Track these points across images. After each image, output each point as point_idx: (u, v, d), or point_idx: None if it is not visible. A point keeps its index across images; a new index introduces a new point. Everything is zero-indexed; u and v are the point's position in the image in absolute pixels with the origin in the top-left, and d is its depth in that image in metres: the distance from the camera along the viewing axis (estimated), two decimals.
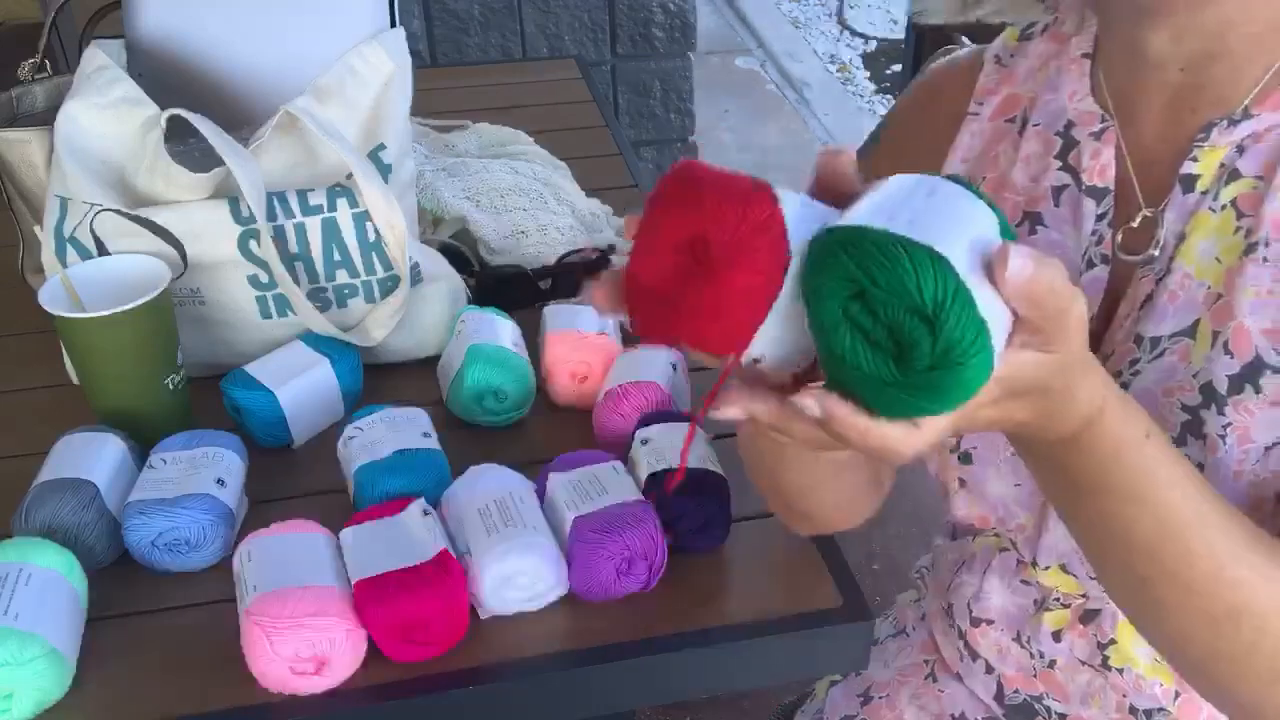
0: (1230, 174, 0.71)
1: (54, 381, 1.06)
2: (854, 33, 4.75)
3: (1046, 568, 0.84)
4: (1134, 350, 0.74)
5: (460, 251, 1.20)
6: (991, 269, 0.47)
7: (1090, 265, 0.77)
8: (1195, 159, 0.72)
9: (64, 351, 1.01)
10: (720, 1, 4.84)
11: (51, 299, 0.92)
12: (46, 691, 0.73)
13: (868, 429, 0.49)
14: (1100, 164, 0.77)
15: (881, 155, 0.93)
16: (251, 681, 0.74)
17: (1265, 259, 0.69)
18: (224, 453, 0.88)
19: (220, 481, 0.85)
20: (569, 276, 1.17)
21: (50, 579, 0.76)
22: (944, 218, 0.48)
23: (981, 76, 0.86)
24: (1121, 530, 0.61)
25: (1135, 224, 0.76)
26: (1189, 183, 0.73)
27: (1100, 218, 0.77)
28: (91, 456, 0.87)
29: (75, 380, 1.03)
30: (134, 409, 0.94)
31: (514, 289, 1.16)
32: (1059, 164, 0.80)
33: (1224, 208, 0.71)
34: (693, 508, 0.82)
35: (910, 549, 2.16)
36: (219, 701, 0.74)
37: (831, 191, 0.53)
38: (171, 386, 0.96)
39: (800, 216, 0.50)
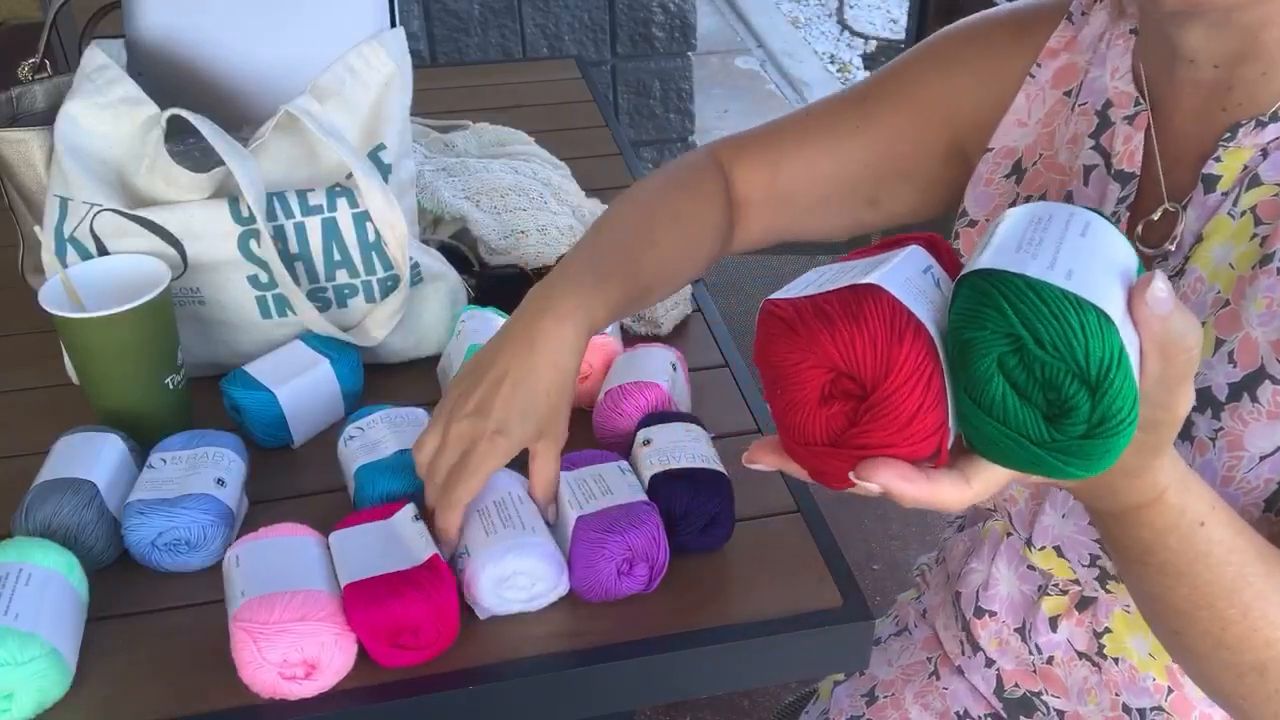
0: (1252, 179, 0.70)
1: (54, 381, 1.06)
2: (854, 33, 4.75)
3: (1041, 548, 0.83)
4: None
5: (460, 251, 1.20)
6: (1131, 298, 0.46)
7: None
8: (1219, 159, 0.71)
9: (64, 351, 1.01)
10: (720, 1, 4.84)
11: (51, 299, 0.92)
12: (46, 691, 0.73)
13: (923, 490, 0.49)
14: (1130, 149, 0.76)
15: (884, 100, 0.89)
16: None
17: (1279, 270, 0.68)
18: (224, 453, 0.88)
19: (220, 481, 0.85)
20: None
21: (50, 579, 0.76)
22: (1099, 263, 0.45)
23: (1055, 34, 0.82)
24: (1158, 593, 0.62)
25: (1156, 217, 0.74)
26: (1211, 183, 0.71)
27: (1122, 200, 0.76)
28: (91, 456, 0.87)
29: (75, 380, 1.03)
30: (134, 409, 0.94)
31: (514, 289, 1.16)
32: (1092, 144, 0.78)
33: (1243, 213, 0.70)
34: (696, 508, 0.82)
35: (910, 549, 2.16)
36: (219, 701, 0.74)
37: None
38: (171, 386, 0.96)
39: (907, 286, 0.48)
